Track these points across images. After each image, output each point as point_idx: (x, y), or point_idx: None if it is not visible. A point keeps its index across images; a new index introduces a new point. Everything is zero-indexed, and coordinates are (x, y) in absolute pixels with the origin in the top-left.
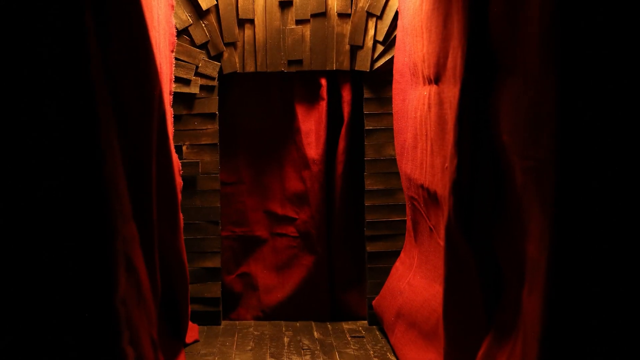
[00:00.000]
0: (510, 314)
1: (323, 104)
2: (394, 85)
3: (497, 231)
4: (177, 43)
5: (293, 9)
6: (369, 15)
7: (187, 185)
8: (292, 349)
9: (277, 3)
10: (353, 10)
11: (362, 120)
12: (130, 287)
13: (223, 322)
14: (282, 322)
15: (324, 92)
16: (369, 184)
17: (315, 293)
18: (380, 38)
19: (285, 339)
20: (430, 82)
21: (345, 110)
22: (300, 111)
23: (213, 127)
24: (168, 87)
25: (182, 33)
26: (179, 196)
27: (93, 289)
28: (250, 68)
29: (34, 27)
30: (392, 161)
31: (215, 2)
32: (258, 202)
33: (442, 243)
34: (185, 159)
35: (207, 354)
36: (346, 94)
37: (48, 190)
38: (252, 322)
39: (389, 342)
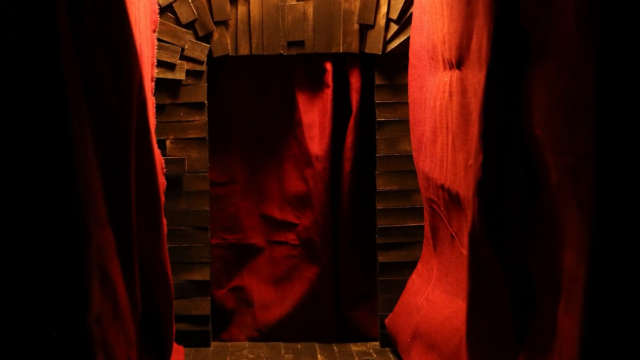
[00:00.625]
0: (543, 335)
1: (328, 92)
2: (409, 71)
3: (529, 238)
4: (160, 22)
5: None
6: None
7: (172, 185)
8: None
9: None
10: None
11: (373, 111)
12: (106, 303)
13: (213, 344)
14: (281, 344)
15: (329, 78)
16: (381, 184)
17: (319, 310)
18: (394, 16)
19: None
20: (451, 67)
21: (353, 99)
22: (301, 100)
23: (201, 118)
24: (149, 72)
25: (166, 10)
26: (162, 198)
27: (63, 306)
28: (244, 50)
29: None
30: (408, 158)
31: None
32: (253, 205)
33: (465, 252)
34: (169, 155)
35: None
36: (355, 81)
37: (9, 191)
38: (247, 344)
39: None
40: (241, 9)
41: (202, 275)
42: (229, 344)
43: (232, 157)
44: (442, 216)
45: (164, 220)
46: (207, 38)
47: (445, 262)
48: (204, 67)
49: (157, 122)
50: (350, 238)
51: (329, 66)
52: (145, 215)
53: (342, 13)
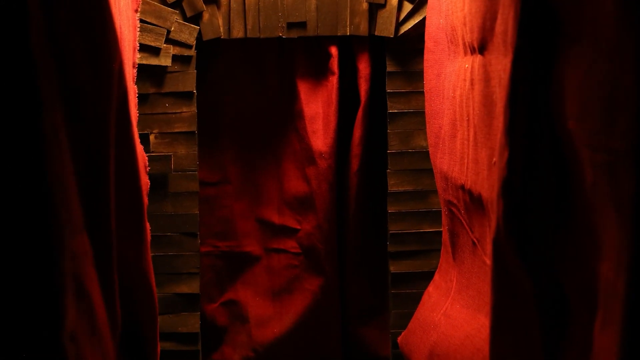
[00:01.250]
0: (577, 354)
1: (333, 81)
2: (425, 56)
3: (560, 246)
4: (143, 1)
5: None
6: None
7: (156, 185)
8: None
9: None
10: None
11: (385, 101)
12: (82, 318)
13: None
14: None
15: (334, 64)
16: (394, 185)
17: (323, 326)
18: None
19: None
20: (473, 52)
21: (362, 88)
22: (303, 90)
23: (189, 110)
24: (130, 58)
25: None
26: (145, 200)
27: (33, 322)
28: (238, 33)
29: None
30: (424, 154)
31: None
32: (249, 208)
33: (488, 261)
34: (153, 152)
35: None
36: (363, 67)
37: None
38: None
39: None
40: None
41: (190, 287)
42: None
43: (225, 153)
44: (463, 221)
45: (148, 226)
46: (196, 19)
47: (466, 272)
48: (192, 52)
49: (140, 114)
50: (358, 245)
51: (334, 51)
52: (126, 220)
53: None
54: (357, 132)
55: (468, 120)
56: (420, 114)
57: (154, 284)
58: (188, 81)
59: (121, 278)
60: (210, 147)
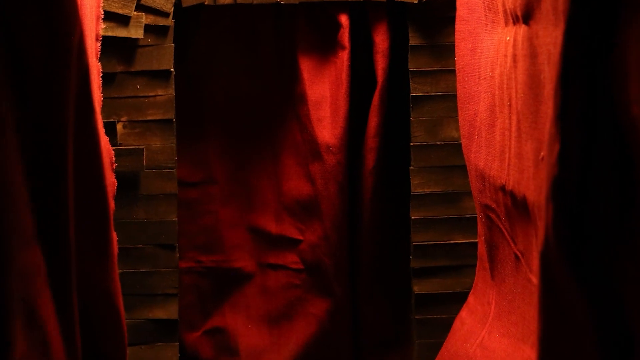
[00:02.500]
0: None
1: (343, 57)
2: (457, 26)
3: (624, 261)
4: None
5: None
6: None
7: (125, 186)
8: None
9: None
10: None
11: (407, 83)
12: (33, 350)
13: None
14: None
15: (344, 36)
16: (418, 185)
17: (331, 359)
18: None
19: None
20: (516, 21)
21: (379, 66)
22: (306, 68)
23: (166, 92)
24: (93, 28)
25: None
26: (112, 204)
27: None
28: None
29: None
30: (455, 148)
31: None
32: (239, 214)
33: (535, 280)
34: (121, 145)
35: None
36: (381, 40)
37: None
38: None
39: None
40: None
41: (167, 312)
42: None
43: (210, 146)
44: (503, 229)
45: (114, 236)
46: None
47: (508, 293)
48: (169, 22)
49: (105, 97)
50: (374, 260)
51: (344, 20)
52: (87, 229)
53: None
54: (373, 121)
55: (510, 105)
56: (450, 98)
57: (122, 307)
58: (164, 57)
59: (82, 301)
60: (192, 139)
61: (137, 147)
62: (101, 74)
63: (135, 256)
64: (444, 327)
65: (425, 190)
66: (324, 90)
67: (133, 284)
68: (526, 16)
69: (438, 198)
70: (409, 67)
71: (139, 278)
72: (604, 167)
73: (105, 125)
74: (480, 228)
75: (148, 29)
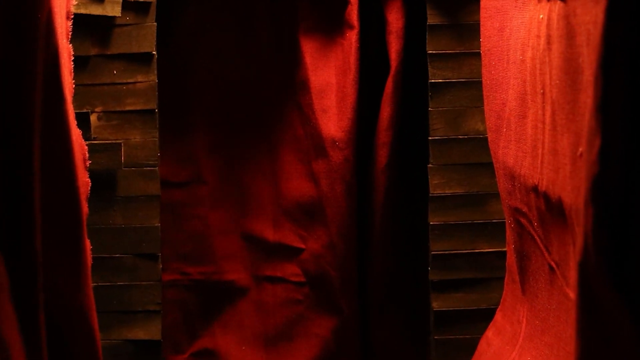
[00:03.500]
0: None
1: (352, 38)
2: (482, 3)
3: None
4: None
5: None
6: None
7: (100, 187)
8: None
9: None
10: None
11: (425, 68)
12: None
13: None
14: None
15: (353, 15)
16: (438, 186)
17: None
18: None
19: None
20: None
21: (392, 48)
22: (309, 50)
23: (147, 79)
24: (64, 5)
25: None
26: (85, 208)
27: None
28: None
29: None
30: (480, 142)
31: None
32: (231, 219)
33: (572, 295)
34: (95, 139)
35: None
36: (395, 19)
37: None
38: None
39: None
40: None
41: (148, 331)
42: None
43: (197, 141)
44: (536, 237)
45: (87, 244)
46: None
47: (541, 310)
48: None
49: (77, 84)
50: (387, 272)
51: None
52: (56, 237)
53: None
54: (386, 111)
55: (543, 93)
56: (474, 85)
57: (96, 326)
58: (145, 39)
59: (50, 319)
60: (177, 132)
61: (113, 141)
62: (73, 58)
63: (111, 267)
64: (467, 349)
65: (446, 192)
66: (329, 76)
67: (109, 299)
68: None
69: (460, 200)
70: (427, 49)
71: (117, 293)
72: None
73: (77, 116)
74: (509, 235)
75: (127, 5)
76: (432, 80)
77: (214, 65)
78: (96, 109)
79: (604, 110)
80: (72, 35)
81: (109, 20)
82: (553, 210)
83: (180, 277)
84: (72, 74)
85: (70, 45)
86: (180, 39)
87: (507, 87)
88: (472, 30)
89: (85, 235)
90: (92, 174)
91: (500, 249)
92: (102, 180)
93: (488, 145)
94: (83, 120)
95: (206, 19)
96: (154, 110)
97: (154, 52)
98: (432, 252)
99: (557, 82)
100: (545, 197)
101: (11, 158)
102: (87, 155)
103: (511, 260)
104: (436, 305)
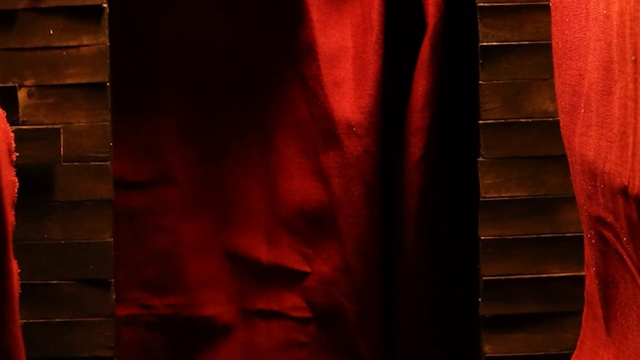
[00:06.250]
0: None
1: None
2: None
3: None
4: None
5: None
6: None
7: (31, 187)
8: None
9: None
10: None
11: (474, 26)
12: None
13: None
14: None
15: None
16: (491, 186)
17: None
18: None
19: None
20: None
21: (428, 1)
22: (315, 3)
23: (96, 41)
24: None
25: None
26: (9, 217)
27: None
28: None
29: None
30: (550, 127)
31: None
32: (209, 233)
33: None
34: (25, 122)
35: None
36: None
37: None
38: None
39: None
40: None
41: None
42: None
43: (163, 126)
44: (625, 256)
45: (14, 266)
46: None
47: (633, 356)
48: None
49: None
50: (421, 304)
51: None
52: None
53: None
54: (421, 85)
55: (635, 61)
56: (541, 50)
57: None
58: None
59: None
60: (136, 114)
61: (50, 126)
62: None
63: (48, 298)
64: None
65: (503, 195)
66: (344, 38)
67: (44, 341)
68: None
69: (522, 207)
70: (476, 1)
71: (54, 332)
72: None
73: (2, 91)
74: (590, 254)
75: None
76: (484, 44)
77: (188, 23)
78: (26, 82)
79: None
80: None
81: None
82: None
83: (140, 312)
84: None
85: None
86: None
87: (586, 53)
88: None
89: (11, 254)
90: (21, 170)
91: (576, 273)
92: (35, 180)
93: (559, 132)
94: (8, 98)
95: None
96: (105, 83)
97: (104, 5)
98: (484, 278)
99: None
100: (638, 202)
101: None
102: (13, 145)
103: (591, 288)
104: (489, 349)
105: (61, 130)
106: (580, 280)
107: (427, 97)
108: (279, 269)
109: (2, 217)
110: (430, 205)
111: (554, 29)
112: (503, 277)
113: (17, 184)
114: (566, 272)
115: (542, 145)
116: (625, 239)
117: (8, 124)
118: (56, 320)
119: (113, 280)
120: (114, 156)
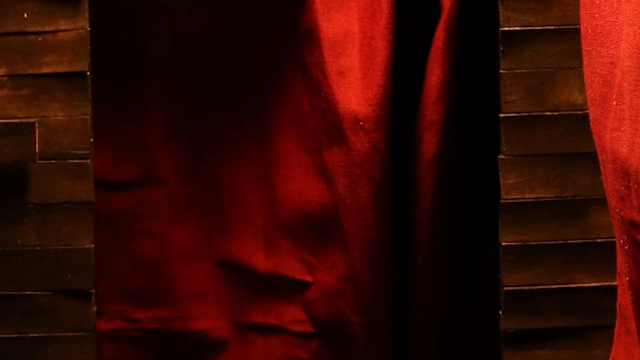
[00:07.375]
0: None
1: None
2: None
3: None
4: None
5: None
6: None
7: (4, 188)
8: None
9: None
10: None
11: (494, 9)
12: None
13: None
14: None
15: None
16: (513, 187)
17: None
18: None
19: None
20: None
21: None
22: None
23: (74, 26)
24: None
25: None
26: None
27: None
28: None
29: None
30: (578, 121)
31: None
32: (201, 239)
33: None
34: None
35: None
36: None
37: None
38: None
39: None
40: None
41: None
42: None
43: (150, 120)
44: None
45: None
46: None
47: None
48: None
49: None
50: (437, 317)
51: None
52: None
53: None
54: (435, 75)
55: None
56: (569, 35)
57: None
58: None
59: None
60: (119, 107)
61: (23, 120)
62: None
63: (21, 310)
64: None
65: (526, 197)
66: (350, 22)
67: (17, 358)
68: None
69: (548, 209)
70: None
71: (28, 349)
72: None
73: None
74: (622, 262)
75: None
76: (505, 29)
77: (177, 5)
78: None
79: None
80: None
81: None
82: None
83: (124, 326)
84: None
85: None
86: None
87: (619, 39)
88: None
89: None
90: None
91: (607, 283)
92: (7, 179)
93: (589, 126)
94: None
95: None
96: (85, 73)
97: None
98: (505, 288)
99: None
100: None
101: None
102: None
103: (625, 299)
104: None
105: (36, 125)
106: (612, 290)
107: (442, 88)
108: (277, 279)
109: None
110: (445, 208)
111: (582, 12)
112: (526, 288)
113: None
114: (596, 282)
115: (570, 141)
116: None
117: None
118: (30, 335)
119: (94, 290)
120: (94, 153)
